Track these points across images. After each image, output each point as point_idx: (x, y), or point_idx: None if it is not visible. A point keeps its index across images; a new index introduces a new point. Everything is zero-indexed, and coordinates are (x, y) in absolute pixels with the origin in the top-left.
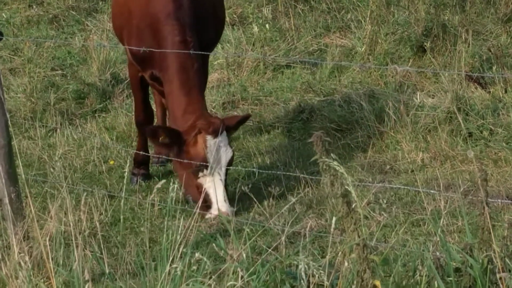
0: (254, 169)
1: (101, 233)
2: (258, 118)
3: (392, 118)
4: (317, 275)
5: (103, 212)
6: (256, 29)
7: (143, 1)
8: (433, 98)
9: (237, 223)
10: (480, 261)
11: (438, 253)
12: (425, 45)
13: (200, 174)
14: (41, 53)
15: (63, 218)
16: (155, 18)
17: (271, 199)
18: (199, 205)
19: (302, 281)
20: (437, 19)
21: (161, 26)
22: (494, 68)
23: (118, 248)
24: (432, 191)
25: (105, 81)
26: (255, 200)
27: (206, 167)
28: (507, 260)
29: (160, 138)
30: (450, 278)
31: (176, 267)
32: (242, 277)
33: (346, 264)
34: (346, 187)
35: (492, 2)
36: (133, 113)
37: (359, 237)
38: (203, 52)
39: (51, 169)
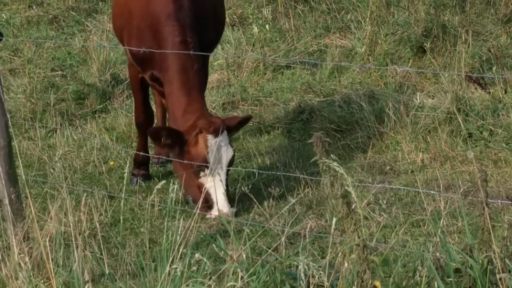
0: (254, 170)
1: (101, 233)
2: (258, 118)
3: (392, 119)
4: (317, 276)
5: (103, 213)
6: (256, 29)
7: (144, 2)
8: (433, 98)
9: (237, 223)
10: (480, 261)
11: (438, 254)
12: (425, 46)
13: (201, 173)
14: (41, 54)
15: (63, 219)
16: (156, 19)
17: (271, 199)
18: (200, 205)
19: (301, 281)
20: (437, 19)
21: (161, 26)
22: (494, 68)
23: (118, 248)
24: (432, 192)
25: (105, 82)
26: (255, 200)
27: (207, 166)
28: (507, 260)
29: (163, 139)
30: (450, 279)
31: (176, 268)
32: (242, 277)
33: (346, 264)
34: (346, 187)
35: (492, 3)
36: (133, 113)
37: (359, 237)
38: (203, 53)
39: (51, 170)
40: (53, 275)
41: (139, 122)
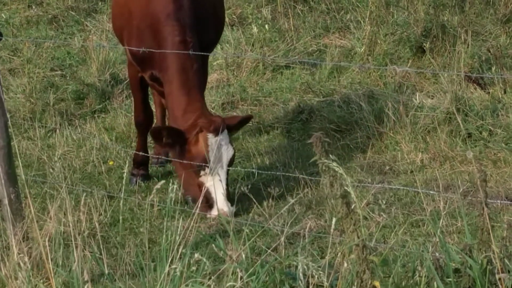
0: (254, 170)
1: (101, 233)
2: (257, 118)
3: (392, 119)
4: (316, 276)
5: (103, 213)
6: (255, 29)
7: (143, 2)
8: (432, 98)
9: (236, 223)
10: (480, 261)
11: (437, 254)
12: (424, 46)
13: (202, 172)
14: (41, 54)
15: (63, 219)
16: (155, 19)
17: (270, 199)
18: (200, 203)
19: (300, 282)
20: (437, 19)
21: (161, 26)
22: (493, 68)
23: (118, 248)
24: (431, 192)
25: (104, 82)
26: (255, 200)
27: (208, 165)
28: (506, 260)
29: (164, 138)
30: (450, 279)
31: (175, 268)
32: (241, 277)
33: (345, 264)
34: (346, 187)
35: (491, 3)
36: (133, 113)
37: (358, 237)
38: (202, 53)
39: (51, 170)
40: (52, 275)
41: (139, 122)
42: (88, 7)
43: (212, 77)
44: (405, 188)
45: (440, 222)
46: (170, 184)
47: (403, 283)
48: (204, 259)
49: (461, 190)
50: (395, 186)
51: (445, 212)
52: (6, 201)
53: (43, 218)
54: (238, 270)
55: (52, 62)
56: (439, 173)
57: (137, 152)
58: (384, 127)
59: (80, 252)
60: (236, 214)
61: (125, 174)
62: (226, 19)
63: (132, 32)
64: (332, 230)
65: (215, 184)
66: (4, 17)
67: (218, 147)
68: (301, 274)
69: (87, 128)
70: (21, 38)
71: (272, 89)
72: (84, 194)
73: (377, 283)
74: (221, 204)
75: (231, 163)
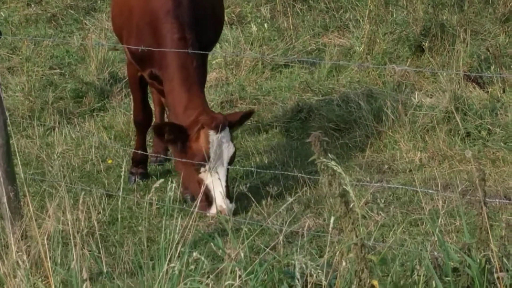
0: (252, 169)
1: (99, 232)
2: (256, 117)
3: (390, 118)
4: (315, 275)
5: (101, 211)
6: (254, 28)
7: (143, 0)
8: (431, 97)
9: (235, 222)
10: (478, 260)
11: (436, 253)
12: (423, 45)
13: (202, 169)
14: (39, 52)
15: (61, 217)
16: (155, 16)
17: (269, 198)
18: (199, 200)
19: (297, 280)
20: (436, 18)
21: (160, 24)
22: (492, 68)
23: (116, 247)
24: (430, 191)
25: (103, 80)
26: (253, 199)
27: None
28: (504, 259)
29: (166, 135)
30: (448, 278)
31: (174, 266)
32: (240, 276)
33: (344, 263)
34: (344, 186)
35: (490, 2)
36: (131, 112)
37: (357, 236)
38: (201, 52)
39: (49, 168)
40: (51, 273)
41: (138, 121)
42: (87, 5)
43: (211, 76)
44: (403, 187)
45: (439, 221)
46: (169, 183)
47: (402, 282)
48: (203, 258)
49: (459, 189)
50: (393, 185)
51: (443, 211)
52: (4, 199)
53: (41, 216)
54: (236, 268)
55: (51, 60)
56: (438, 172)
57: (136, 151)
58: (383, 126)
59: (78, 251)
60: (234, 213)
61: (123, 172)
62: (225, 18)
63: (131, 30)
64: (330, 229)
65: (214, 181)
66: (3, 15)
67: (219, 144)
68: (297, 273)
69: (86, 126)
70: (20, 37)
71: (271, 88)
72: (83, 193)
73: (375, 282)
74: (220, 201)
75: (231, 161)
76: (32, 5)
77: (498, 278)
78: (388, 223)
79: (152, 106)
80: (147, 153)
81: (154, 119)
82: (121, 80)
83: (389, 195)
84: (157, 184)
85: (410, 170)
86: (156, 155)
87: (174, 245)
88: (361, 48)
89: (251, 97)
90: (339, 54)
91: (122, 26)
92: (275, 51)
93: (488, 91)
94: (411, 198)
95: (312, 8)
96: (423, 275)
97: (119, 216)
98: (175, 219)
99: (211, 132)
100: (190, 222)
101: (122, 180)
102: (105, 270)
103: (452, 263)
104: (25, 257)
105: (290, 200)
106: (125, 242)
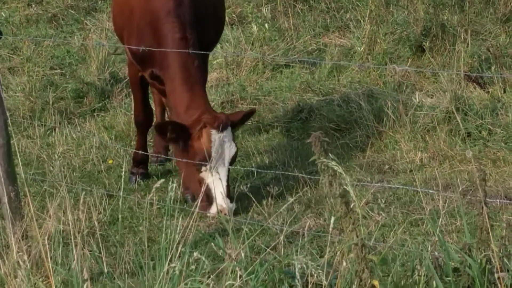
0: (253, 169)
1: (100, 232)
2: (257, 117)
3: (391, 118)
4: (315, 275)
5: (102, 211)
6: (255, 28)
7: (144, 0)
8: (432, 98)
9: (235, 222)
10: (479, 261)
11: (436, 253)
12: (424, 45)
13: (203, 168)
14: (40, 52)
15: (62, 217)
16: (155, 16)
17: (269, 198)
18: (200, 199)
19: (297, 281)
20: (436, 19)
21: (161, 24)
22: (493, 68)
23: (117, 247)
24: (430, 191)
25: (104, 80)
26: (254, 199)
27: (209, 162)
28: (505, 260)
29: (168, 134)
30: (449, 278)
31: (174, 267)
32: (240, 276)
33: (344, 263)
34: (345, 187)
35: (491, 2)
36: (132, 112)
37: (357, 236)
38: (202, 52)
39: (50, 168)
40: (51, 273)
41: (138, 121)
42: (87, 5)
43: (212, 76)
44: (404, 187)
45: (439, 221)
46: (170, 183)
47: (402, 282)
48: (203, 258)
49: (460, 189)
50: (394, 185)
51: (444, 211)
52: (5, 200)
53: (42, 216)
54: (237, 269)
55: (52, 60)
56: (439, 172)
57: (136, 151)
58: (383, 126)
59: (79, 251)
60: (235, 213)
61: (124, 172)
62: (226, 18)
63: (132, 31)
64: (331, 229)
65: (215, 181)
66: (4, 15)
67: (221, 144)
68: (298, 273)
69: (87, 126)
70: (21, 37)
71: (271, 88)
72: (84, 193)
73: (376, 282)
74: (220, 201)
75: (233, 160)
76: (33, 5)
77: (498, 278)
78: (389, 223)
79: (153, 106)
80: (148, 153)
81: (154, 119)
82: (122, 80)
83: (389, 195)
84: (157, 184)
85: (411, 170)
86: (156, 155)
87: (174, 245)
88: (362, 48)
89: (252, 97)
90: (340, 54)
91: (123, 26)
92: (276, 51)
93: (488, 91)
94: (412, 198)
95: (312, 8)
96: (424, 275)
97: (119, 216)
98: (175, 219)
99: (213, 131)
100: (191, 222)
101: (122, 180)
102: (105, 270)
103: (452, 263)
104: (25, 257)
105: (291, 200)
106: (126, 242)
